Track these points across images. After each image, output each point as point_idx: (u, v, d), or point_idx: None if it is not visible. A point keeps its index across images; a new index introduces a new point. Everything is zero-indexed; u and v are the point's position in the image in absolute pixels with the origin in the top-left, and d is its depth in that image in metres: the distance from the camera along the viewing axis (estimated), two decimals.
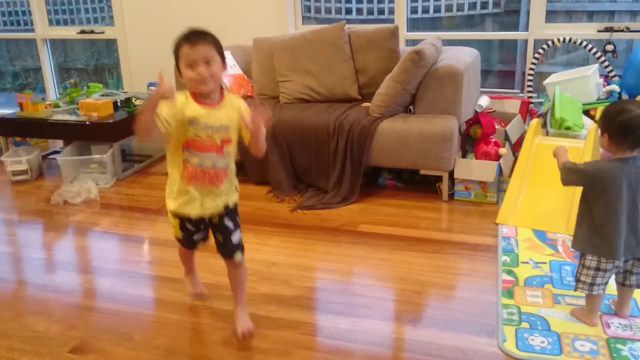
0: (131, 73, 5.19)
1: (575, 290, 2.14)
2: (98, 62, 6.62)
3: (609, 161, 2.01)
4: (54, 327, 2.26)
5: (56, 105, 4.25)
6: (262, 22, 4.57)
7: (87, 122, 3.89)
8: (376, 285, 2.51)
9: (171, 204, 2.07)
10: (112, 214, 3.41)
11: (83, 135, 3.97)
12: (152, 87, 4.42)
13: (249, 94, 4.03)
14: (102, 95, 4.27)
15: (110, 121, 3.89)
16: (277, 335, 2.16)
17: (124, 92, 4.46)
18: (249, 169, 3.69)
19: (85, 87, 4.49)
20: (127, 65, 5.18)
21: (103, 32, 5.28)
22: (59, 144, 4.53)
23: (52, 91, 5.64)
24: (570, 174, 2.06)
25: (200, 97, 1.95)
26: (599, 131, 2.02)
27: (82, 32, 5.32)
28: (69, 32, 5.44)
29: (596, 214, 2.00)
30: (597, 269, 2.04)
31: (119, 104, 4.12)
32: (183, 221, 2.10)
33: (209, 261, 2.74)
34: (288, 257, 2.76)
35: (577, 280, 2.10)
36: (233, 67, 4.05)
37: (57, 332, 2.23)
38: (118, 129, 3.92)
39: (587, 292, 2.09)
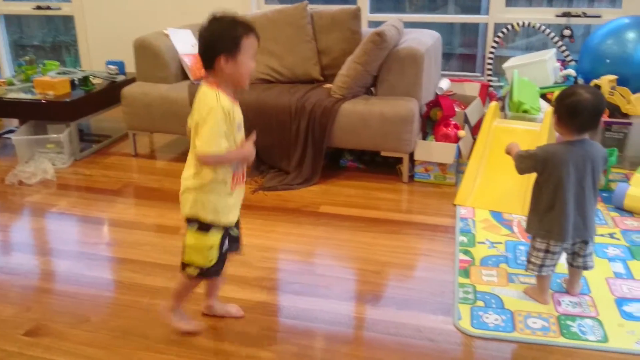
0: (89, 51, 5.07)
1: (526, 271, 2.21)
2: (55, 40, 6.43)
3: (558, 144, 2.07)
4: (8, 310, 2.22)
5: (10, 83, 4.12)
6: (224, 1, 4.50)
7: (43, 101, 3.78)
8: (336, 266, 2.54)
9: (224, 218, 1.90)
10: (70, 194, 3.35)
11: (38, 114, 3.86)
12: (110, 66, 4.32)
13: None
14: (59, 73, 4.15)
15: (67, 100, 3.79)
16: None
17: (82, 70, 4.35)
18: None
19: (41, 65, 4.36)
20: (85, 42, 5.06)
21: (60, 9, 5.14)
22: (14, 122, 4.41)
23: (6, 69, 5.47)
24: (523, 160, 2.11)
25: (230, 93, 1.84)
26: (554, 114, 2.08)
27: (38, 7, 5.16)
28: (24, 8, 5.27)
29: (546, 198, 2.05)
30: (547, 251, 2.10)
31: (76, 82, 4.01)
32: (225, 234, 1.94)
33: (166, 242, 2.72)
34: (249, 238, 2.75)
35: (528, 262, 2.17)
36: (194, 47, 3.99)
37: (11, 315, 2.19)
38: (75, 108, 3.83)
39: (537, 273, 2.16)
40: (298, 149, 3.40)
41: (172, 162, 3.81)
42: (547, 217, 2.06)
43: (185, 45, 3.93)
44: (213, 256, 1.92)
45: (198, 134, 1.79)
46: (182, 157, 3.84)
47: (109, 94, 4.09)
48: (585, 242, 2.11)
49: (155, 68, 3.80)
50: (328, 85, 3.55)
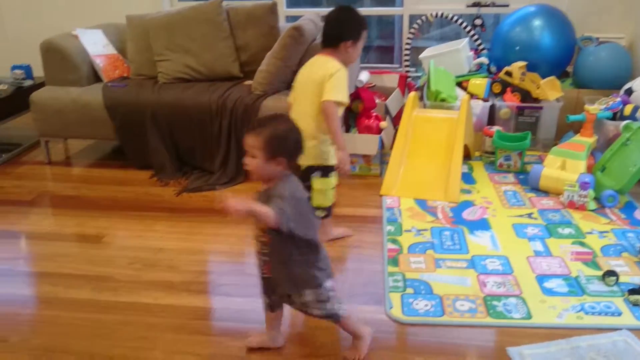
0: None
1: None
2: None
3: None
4: None
5: None
6: None
7: None
8: None
9: (333, 162, 2.33)
10: None
11: None
12: (16, 71, 4.09)
13: (125, 74, 3.84)
14: None
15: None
16: (165, 323, 2.10)
17: None
18: (129, 153, 3.54)
19: None
20: None
21: None
22: None
23: None
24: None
25: None
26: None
27: None
28: None
29: None
30: None
31: None
32: None
33: (87, 251, 2.61)
34: (175, 242, 2.69)
35: None
36: (106, 47, 3.84)
37: None
38: None
39: None
40: (221, 148, 3.34)
41: (90, 168, 3.66)
42: None
43: (96, 45, 3.78)
44: (332, 195, 2.40)
45: (326, 87, 2.25)
46: (100, 163, 3.71)
47: (16, 100, 3.87)
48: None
49: (65, 71, 3.62)
50: (248, 82, 3.51)
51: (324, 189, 2.36)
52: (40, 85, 3.79)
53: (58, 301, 2.25)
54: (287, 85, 3.45)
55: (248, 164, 1.71)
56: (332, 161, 2.34)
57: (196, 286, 2.34)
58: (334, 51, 2.34)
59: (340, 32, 2.33)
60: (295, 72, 3.36)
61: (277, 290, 1.85)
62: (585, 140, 3.08)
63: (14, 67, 4.15)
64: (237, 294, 2.27)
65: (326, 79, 2.26)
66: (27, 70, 4.14)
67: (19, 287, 2.40)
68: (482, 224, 2.73)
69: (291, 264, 1.75)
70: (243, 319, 2.12)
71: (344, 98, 2.28)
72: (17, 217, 2.99)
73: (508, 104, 3.57)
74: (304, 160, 2.28)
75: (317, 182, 2.34)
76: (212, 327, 2.09)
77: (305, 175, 2.32)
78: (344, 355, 1.91)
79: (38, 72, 3.96)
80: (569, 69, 3.98)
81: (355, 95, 3.46)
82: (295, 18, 3.91)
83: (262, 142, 1.66)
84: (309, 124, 2.26)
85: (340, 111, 2.34)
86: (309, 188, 2.33)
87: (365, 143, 3.28)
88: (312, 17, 3.47)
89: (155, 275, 2.41)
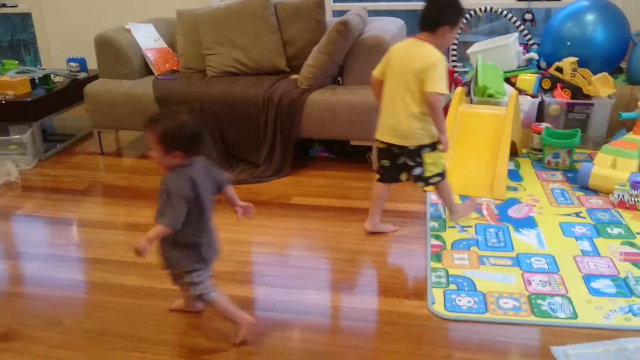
0: (49, 48, 4.96)
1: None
2: (13, 38, 6.27)
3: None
4: None
5: None
6: None
7: (3, 101, 3.69)
8: (309, 256, 2.54)
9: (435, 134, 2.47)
10: (35, 196, 3.28)
11: None
12: (71, 63, 4.23)
13: (175, 68, 3.93)
14: (18, 73, 4.06)
15: (28, 99, 3.70)
16: (210, 310, 2.15)
17: (42, 69, 4.26)
18: None
19: None
20: (44, 40, 4.95)
21: (16, 6, 5.00)
22: None
23: None
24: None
25: None
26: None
27: None
28: None
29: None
30: None
31: (37, 81, 3.92)
32: None
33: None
34: (220, 233, 2.71)
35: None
36: (157, 41, 3.93)
37: None
38: (37, 108, 3.74)
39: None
40: (267, 141, 3.39)
41: (140, 159, 3.76)
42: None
43: (148, 39, 3.87)
44: (443, 162, 2.55)
45: (427, 78, 2.32)
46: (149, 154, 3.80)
47: (72, 92, 4.01)
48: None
49: (118, 64, 3.73)
50: (295, 76, 3.54)
51: (435, 161, 2.50)
52: (94, 77, 3.92)
53: (109, 287, 2.34)
54: (333, 80, 3.47)
55: (151, 156, 1.86)
56: (435, 136, 2.47)
57: (241, 276, 2.39)
58: (431, 35, 2.38)
59: (440, 16, 2.36)
60: (341, 67, 3.42)
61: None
62: (638, 138, 2.99)
63: (70, 60, 4.30)
64: (280, 285, 2.31)
65: (429, 70, 2.32)
66: (82, 63, 4.28)
67: (73, 272, 2.49)
68: (528, 222, 2.69)
69: (174, 240, 1.89)
70: (285, 309, 2.15)
71: (446, 89, 2.37)
72: (70, 205, 3.11)
73: (558, 100, 3.50)
74: (412, 142, 2.45)
75: (428, 156, 2.48)
76: (256, 316, 2.13)
77: (416, 152, 2.47)
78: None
79: (92, 65, 4.10)
80: (623, 64, 3.87)
81: None
82: (341, 13, 3.92)
83: (157, 137, 1.81)
84: (411, 109, 2.40)
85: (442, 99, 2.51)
86: (420, 164, 2.49)
87: None
88: (359, 12, 3.47)
89: None
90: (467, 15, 4.15)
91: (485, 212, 2.80)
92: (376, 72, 2.55)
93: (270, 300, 2.22)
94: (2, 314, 2.18)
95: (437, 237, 2.59)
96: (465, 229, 2.66)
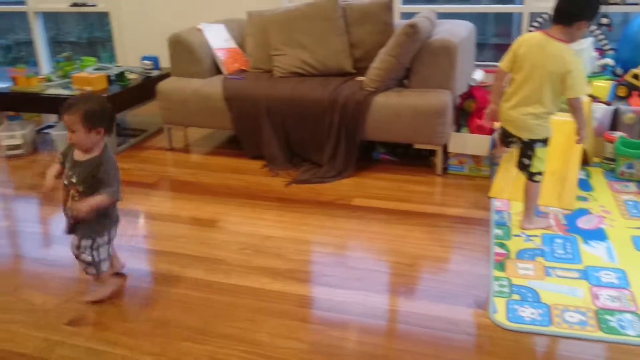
0: (124, 47, 5.15)
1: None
2: (90, 36, 6.55)
3: None
4: (51, 300, 2.29)
5: (49, 80, 4.22)
6: None
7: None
8: (369, 258, 2.54)
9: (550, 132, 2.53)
10: None
11: None
12: (145, 61, 4.39)
13: (243, 67, 4.01)
14: (96, 69, 4.23)
15: (104, 95, 3.87)
16: (271, 307, 2.19)
17: (118, 66, 4.43)
18: (244, 143, 3.69)
19: (78, 61, 4.45)
20: (120, 38, 5.14)
21: (95, 5, 5.23)
22: (52, 118, 4.51)
23: (44, 65, 5.59)
24: None
25: None
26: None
27: (74, 4, 5.26)
28: (61, 5, 5.38)
29: None
30: None
31: (112, 78, 4.09)
32: None
33: (201, 234, 2.77)
34: (282, 231, 2.78)
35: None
36: (227, 41, 4.02)
37: (54, 305, 2.25)
38: (112, 103, 3.86)
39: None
40: (331, 141, 3.41)
41: (206, 155, 3.86)
42: None
43: (219, 39, 3.97)
44: (545, 161, 2.57)
45: (569, 85, 2.36)
46: (215, 151, 3.90)
47: (144, 89, 4.15)
48: None
49: (190, 63, 3.84)
50: (360, 78, 3.54)
51: (543, 157, 2.55)
52: (166, 75, 4.04)
53: (174, 278, 2.41)
54: (399, 82, 3.46)
55: (71, 138, 2.07)
56: (550, 133, 2.52)
57: (301, 275, 2.42)
58: (565, 29, 2.37)
59: (579, 10, 2.34)
60: (408, 70, 3.39)
61: (70, 234, 2.22)
62: None
63: (144, 58, 4.45)
64: (339, 286, 2.32)
65: (568, 74, 2.35)
66: (155, 61, 4.43)
67: (140, 262, 2.59)
68: (598, 234, 2.60)
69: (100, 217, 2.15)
70: (344, 310, 2.16)
71: (587, 87, 2.43)
72: (140, 198, 3.23)
73: (634, 108, 3.36)
74: (528, 135, 2.51)
75: (540, 151, 2.53)
76: (314, 315, 2.15)
77: (529, 145, 2.54)
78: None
79: (164, 63, 4.23)
80: None
81: (468, 94, 3.40)
82: (409, 15, 3.89)
83: (81, 116, 2.03)
84: (535, 107, 2.46)
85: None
86: (531, 157, 2.55)
87: (476, 143, 3.22)
88: (428, 15, 3.44)
89: (263, 261, 2.51)
90: (540, 19, 4.04)
91: (552, 222, 2.72)
92: (503, 65, 2.58)
93: (329, 300, 2.23)
94: (73, 300, 2.29)
95: (501, 245, 2.54)
96: (531, 238, 2.59)
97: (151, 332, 2.08)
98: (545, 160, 2.57)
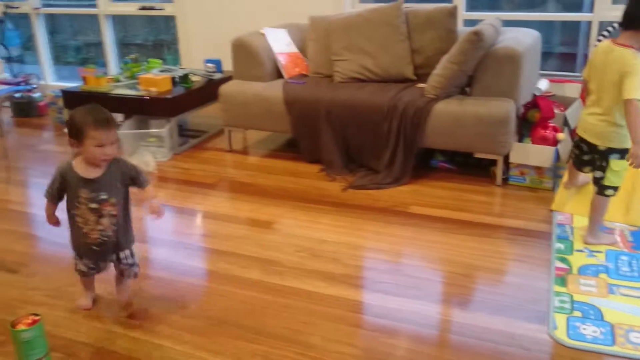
0: (188, 49, 5.28)
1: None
2: (157, 38, 6.74)
3: None
4: (115, 293, 2.36)
5: (117, 80, 4.37)
6: (319, 1, 4.56)
7: (147, 97, 3.99)
8: (425, 267, 2.52)
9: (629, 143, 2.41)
10: (168, 186, 3.51)
11: (142, 109, 4.08)
12: (208, 64, 4.49)
13: (304, 72, 4.05)
14: (161, 71, 4.36)
15: (169, 96, 3.98)
16: (325, 311, 2.20)
17: (182, 68, 4.55)
18: (302, 147, 3.73)
19: (145, 63, 4.59)
20: (185, 41, 5.27)
21: (163, 9, 5.38)
22: (118, 117, 4.67)
23: (112, 66, 5.80)
24: None
25: None
26: None
27: (143, 8, 5.44)
28: (130, 8, 5.56)
29: None
30: None
31: (177, 79, 4.20)
32: None
33: (258, 235, 2.80)
34: (338, 236, 2.79)
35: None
36: (289, 46, 4.07)
37: (117, 298, 2.32)
38: (176, 104, 4.01)
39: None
40: (389, 148, 3.39)
41: (265, 158, 3.91)
42: None
43: (280, 44, 4.02)
44: (624, 176, 2.49)
45: (625, 86, 2.30)
46: (274, 154, 3.95)
47: (207, 91, 4.25)
48: None
49: (252, 67, 3.91)
50: (421, 85, 3.52)
51: (620, 170, 2.47)
52: (228, 78, 4.12)
53: (232, 278, 2.45)
54: (461, 90, 3.41)
55: (110, 153, 2.02)
56: (628, 144, 2.39)
57: (355, 280, 2.42)
58: (633, 35, 2.36)
59: None
60: (470, 77, 3.35)
61: (109, 254, 2.18)
62: None
63: (207, 61, 4.56)
64: (393, 293, 2.30)
65: (625, 75, 2.31)
66: (218, 64, 4.53)
67: (200, 260, 2.65)
68: None
69: (129, 218, 2.20)
70: (397, 317, 2.15)
71: None
72: (200, 198, 3.30)
73: None
74: (603, 142, 2.48)
75: (615, 163, 2.46)
76: (368, 321, 2.15)
77: (604, 155, 2.49)
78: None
79: (227, 66, 4.32)
80: None
81: (533, 104, 3.32)
82: (473, 22, 3.84)
83: (116, 128, 2.05)
84: (605, 115, 2.44)
85: None
86: (604, 169, 2.49)
87: (539, 154, 3.14)
88: (493, 22, 3.39)
89: (318, 265, 2.53)
90: (610, 28, 3.91)
91: (618, 238, 2.63)
92: (583, 73, 2.66)
93: (383, 307, 2.22)
94: (137, 295, 2.35)
95: (563, 260, 2.46)
96: (594, 254, 2.51)
97: (209, 329, 2.12)
98: (622, 174, 2.49)
